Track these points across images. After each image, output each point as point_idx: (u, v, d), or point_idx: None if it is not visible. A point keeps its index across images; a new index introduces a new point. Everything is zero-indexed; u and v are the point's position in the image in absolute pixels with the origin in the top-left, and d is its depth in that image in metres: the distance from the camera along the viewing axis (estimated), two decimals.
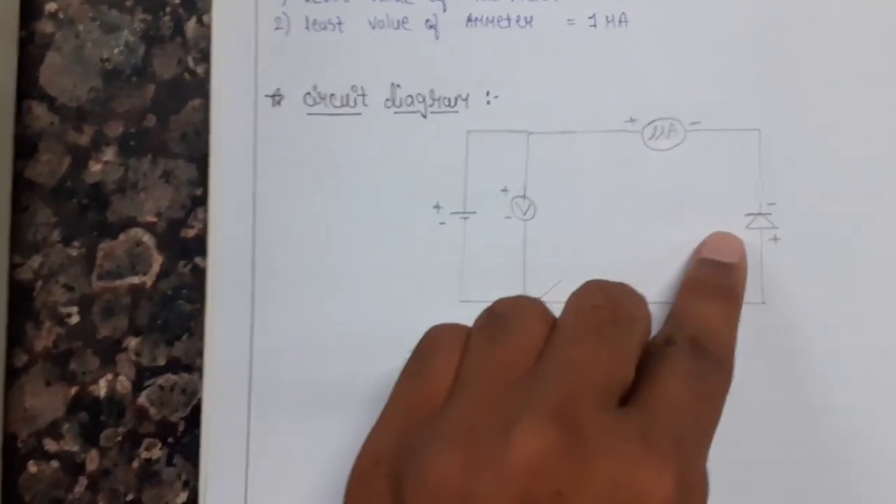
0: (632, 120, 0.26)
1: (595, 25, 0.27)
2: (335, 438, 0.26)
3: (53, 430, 0.27)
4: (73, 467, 0.27)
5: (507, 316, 0.21)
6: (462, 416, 0.19)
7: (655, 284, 0.26)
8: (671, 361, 0.20)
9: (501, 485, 0.17)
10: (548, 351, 0.20)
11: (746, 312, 0.25)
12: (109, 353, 0.27)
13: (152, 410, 0.27)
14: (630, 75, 0.26)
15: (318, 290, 0.27)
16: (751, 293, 0.25)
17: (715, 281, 0.24)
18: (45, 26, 0.28)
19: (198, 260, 0.27)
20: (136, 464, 0.27)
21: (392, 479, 0.19)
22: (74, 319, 0.27)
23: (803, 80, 0.26)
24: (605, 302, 0.21)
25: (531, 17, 0.27)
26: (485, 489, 0.17)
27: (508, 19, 0.27)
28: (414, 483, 0.18)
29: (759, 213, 0.26)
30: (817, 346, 0.25)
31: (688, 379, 0.20)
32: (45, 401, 0.27)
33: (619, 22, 0.27)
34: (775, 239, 0.26)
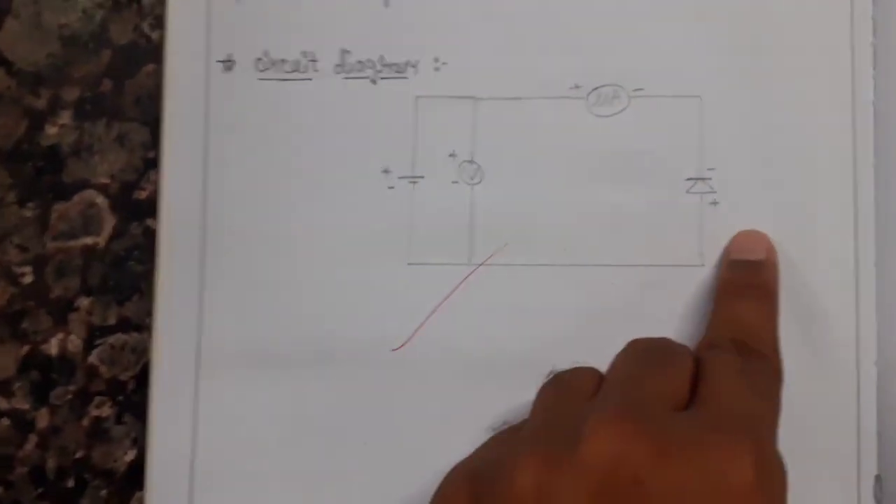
0: (576, 87, 0.27)
1: None
2: (281, 397, 0.27)
3: (4, 389, 0.28)
4: (23, 425, 0.27)
5: (566, 375, 0.22)
6: (534, 427, 0.20)
7: (600, 248, 0.26)
8: (719, 364, 0.21)
9: (578, 479, 0.17)
10: (607, 376, 0.21)
11: (685, 274, 0.25)
12: (61, 312, 0.28)
13: (103, 369, 0.28)
14: (575, 42, 0.27)
15: (267, 251, 0.27)
16: (691, 256, 0.26)
17: (747, 280, 0.24)
18: None
19: (149, 222, 0.28)
20: (85, 422, 0.28)
21: (471, 493, 0.19)
22: (28, 279, 0.28)
23: (743, 48, 0.26)
24: (650, 344, 0.22)
25: None
26: (562, 485, 0.17)
27: None
28: (491, 490, 0.18)
29: (699, 178, 0.26)
30: None
31: (739, 377, 0.20)
32: None
33: None
34: (715, 203, 0.26)
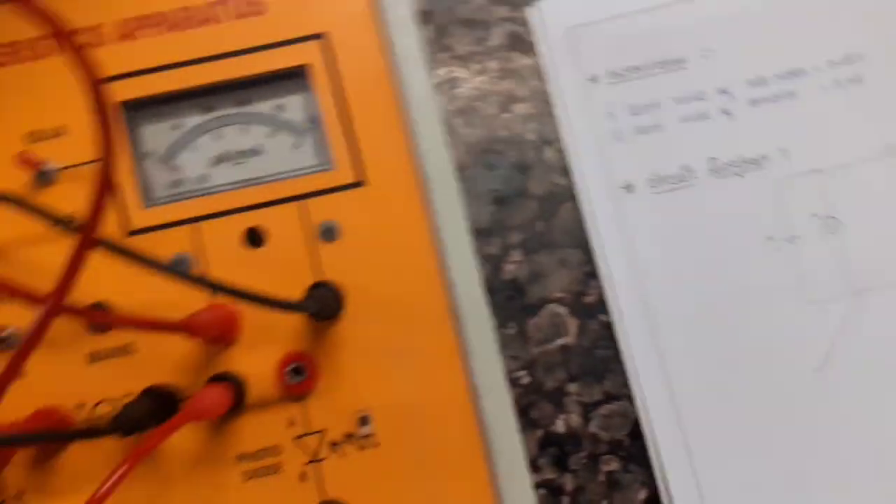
0: None
1: (838, 83, 0.38)
2: (759, 416, 0.36)
3: (533, 465, 0.36)
4: (555, 491, 0.36)
5: None
6: None
7: None
8: None
9: None
10: None
11: None
12: (558, 399, 0.37)
13: (602, 434, 0.37)
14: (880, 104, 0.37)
15: (694, 320, 0.37)
16: None
17: None
18: None
19: (601, 317, 0.37)
20: (601, 477, 0.36)
21: None
22: (525, 380, 0.37)
23: None
24: None
25: (794, 91, 0.38)
26: None
27: (778, 96, 0.38)
28: None
29: None
30: None
31: None
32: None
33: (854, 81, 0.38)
34: None
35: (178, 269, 0.24)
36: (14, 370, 0.19)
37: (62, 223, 0.25)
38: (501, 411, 0.28)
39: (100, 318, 0.21)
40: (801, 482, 0.35)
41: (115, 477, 0.23)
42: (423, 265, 0.29)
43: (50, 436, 0.23)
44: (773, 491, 0.35)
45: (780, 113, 0.38)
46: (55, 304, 0.18)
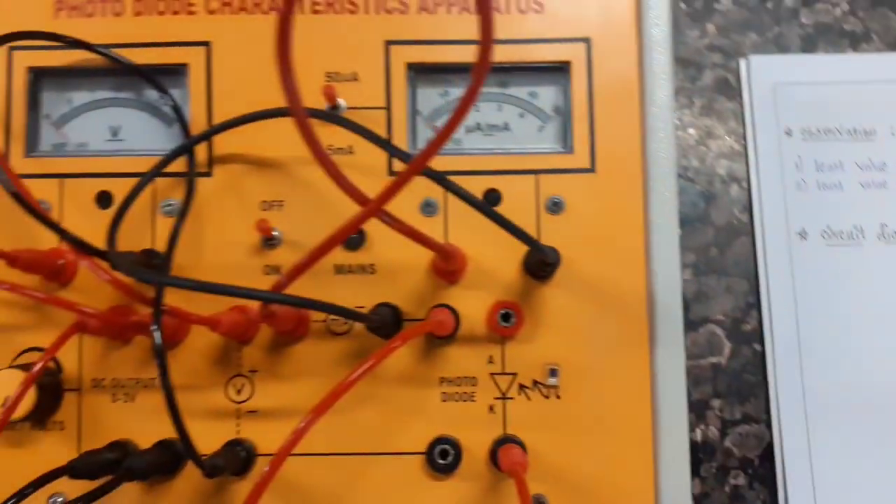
0: None
1: None
2: (888, 461, 0.38)
3: None
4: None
5: None
6: None
7: None
8: None
9: None
10: None
11: None
12: (701, 410, 0.40)
13: (735, 450, 0.40)
14: None
15: (841, 366, 0.40)
16: None
17: None
18: None
19: (755, 345, 0.40)
20: (727, 488, 0.39)
21: None
22: None
23: None
24: None
25: None
26: None
27: None
28: None
29: None
30: None
31: None
32: None
33: None
34: None
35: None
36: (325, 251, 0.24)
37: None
38: (675, 398, 0.32)
39: (390, 219, 0.25)
40: None
41: (360, 370, 0.27)
42: (632, 253, 0.33)
43: (323, 306, 0.28)
44: None
45: None
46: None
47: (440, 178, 0.29)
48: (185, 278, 0.30)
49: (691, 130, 0.43)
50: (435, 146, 0.20)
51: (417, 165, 0.21)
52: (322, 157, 0.20)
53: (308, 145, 0.20)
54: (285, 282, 0.26)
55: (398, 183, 0.21)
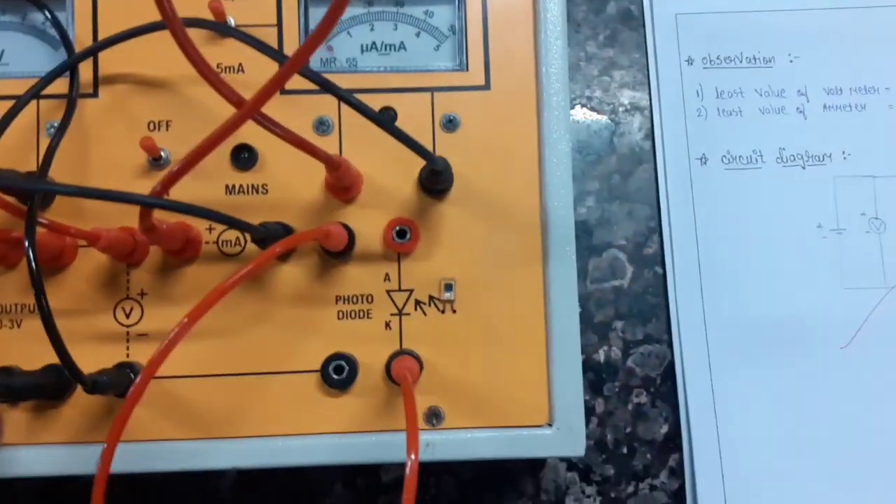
0: None
1: None
2: (784, 380, 0.40)
3: None
4: (587, 412, 0.40)
5: None
6: None
7: None
8: None
9: None
10: None
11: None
12: (604, 331, 0.41)
13: (637, 370, 0.41)
14: None
15: (740, 286, 0.41)
16: None
17: None
18: None
19: (657, 268, 0.41)
20: (630, 406, 0.40)
21: None
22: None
23: None
24: None
25: (865, 105, 0.42)
26: None
27: (850, 106, 0.42)
28: None
29: None
30: None
31: None
32: None
33: None
34: None
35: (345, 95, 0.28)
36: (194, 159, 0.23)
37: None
38: (567, 310, 0.32)
39: (270, 123, 0.25)
40: (812, 443, 0.39)
41: (238, 275, 0.26)
42: (527, 169, 0.33)
43: (204, 212, 0.27)
44: (786, 448, 0.39)
45: (848, 121, 0.42)
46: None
47: (330, 87, 0.28)
48: (61, 184, 0.29)
49: (595, 61, 0.43)
50: (312, 43, 0.19)
51: (294, 65, 0.21)
52: (195, 58, 0.20)
53: (182, 48, 0.19)
54: (161, 189, 0.26)
55: (275, 81, 0.21)
